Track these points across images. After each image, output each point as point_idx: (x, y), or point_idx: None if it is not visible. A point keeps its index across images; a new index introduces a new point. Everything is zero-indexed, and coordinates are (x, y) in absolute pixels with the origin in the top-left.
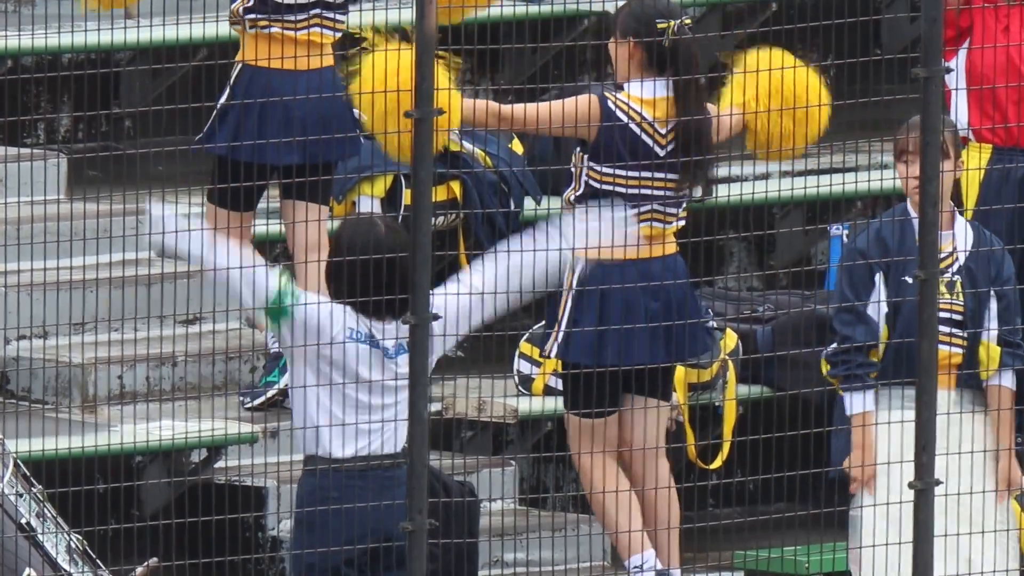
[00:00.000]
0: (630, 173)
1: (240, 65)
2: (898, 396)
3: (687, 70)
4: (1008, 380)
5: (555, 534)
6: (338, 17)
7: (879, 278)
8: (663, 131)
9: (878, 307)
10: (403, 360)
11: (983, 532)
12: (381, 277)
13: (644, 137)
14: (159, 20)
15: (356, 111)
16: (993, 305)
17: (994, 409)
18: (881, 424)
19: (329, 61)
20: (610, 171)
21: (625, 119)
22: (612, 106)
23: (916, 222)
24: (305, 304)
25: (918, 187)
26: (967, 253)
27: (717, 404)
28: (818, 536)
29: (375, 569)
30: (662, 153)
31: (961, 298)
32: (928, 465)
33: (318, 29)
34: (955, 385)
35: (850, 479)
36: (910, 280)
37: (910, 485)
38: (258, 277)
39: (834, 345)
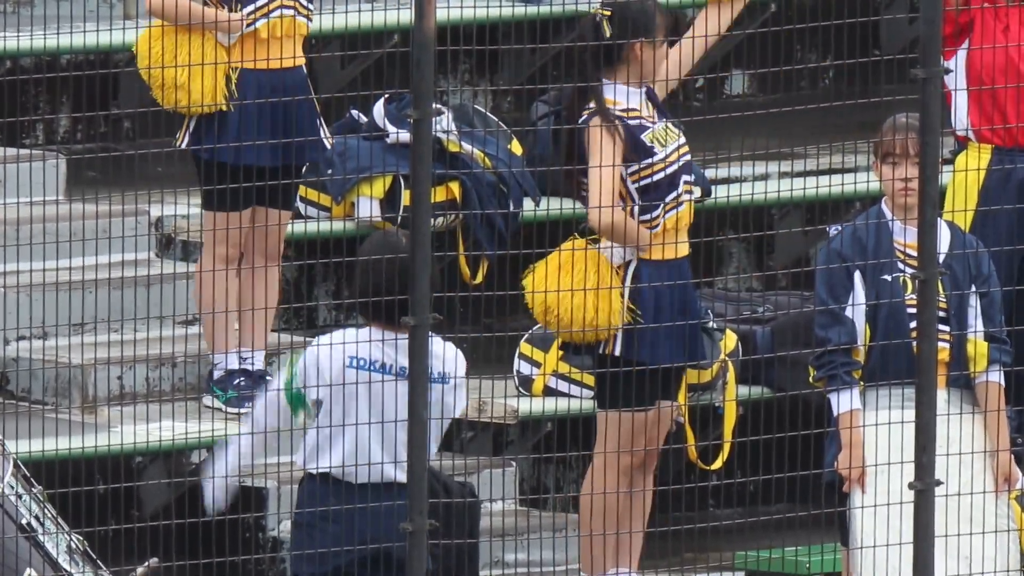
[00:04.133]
0: (656, 157)
1: (240, 71)
2: (885, 396)
3: None
4: (996, 376)
5: (555, 535)
6: (304, 3)
7: (857, 278)
8: (647, 112)
9: (857, 308)
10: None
11: (983, 532)
12: (404, 292)
13: (642, 122)
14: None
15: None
16: (975, 302)
17: (985, 407)
18: (869, 425)
19: (300, 61)
20: (648, 162)
21: (629, 120)
22: (618, 114)
23: (893, 223)
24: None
25: (903, 189)
26: (946, 252)
27: (717, 405)
28: (819, 537)
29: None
30: (660, 126)
31: (942, 295)
32: (928, 466)
33: (286, 11)
34: (945, 384)
35: (840, 479)
36: (889, 279)
37: (910, 486)
38: (271, 407)
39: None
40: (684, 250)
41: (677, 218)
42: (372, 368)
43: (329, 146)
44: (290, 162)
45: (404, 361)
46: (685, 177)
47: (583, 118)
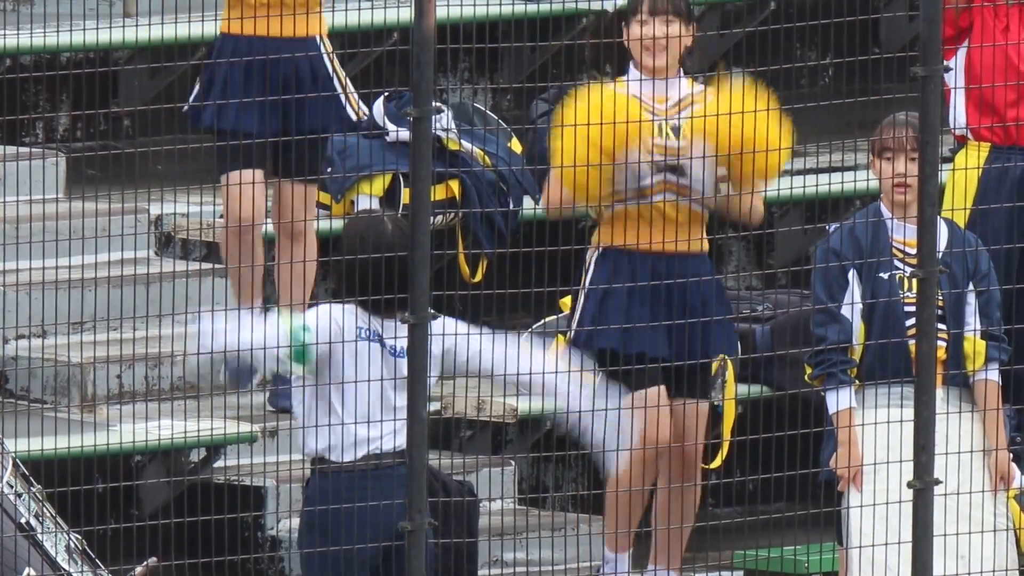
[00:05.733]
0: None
1: (220, 36)
2: (882, 394)
3: None
4: (994, 374)
5: (554, 534)
6: None
7: (852, 276)
8: (651, 106)
9: (853, 306)
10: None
11: (982, 531)
12: (391, 275)
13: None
14: (158, 19)
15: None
16: (972, 300)
17: (983, 404)
18: (866, 424)
19: (315, 30)
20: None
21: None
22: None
23: (889, 221)
24: (317, 326)
25: (899, 184)
26: (944, 250)
27: (716, 403)
28: (817, 536)
29: (388, 567)
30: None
31: (939, 293)
32: (927, 465)
33: None
34: (943, 383)
35: (836, 478)
36: (885, 276)
37: (909, 485)
38: (270, 342)
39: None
40: (675, 247)
41: (640, 210)
42: (379, 341)
43: (356, 117)
44: (291, 131)
45: (393, 341)
46: (662, 176)
47: None
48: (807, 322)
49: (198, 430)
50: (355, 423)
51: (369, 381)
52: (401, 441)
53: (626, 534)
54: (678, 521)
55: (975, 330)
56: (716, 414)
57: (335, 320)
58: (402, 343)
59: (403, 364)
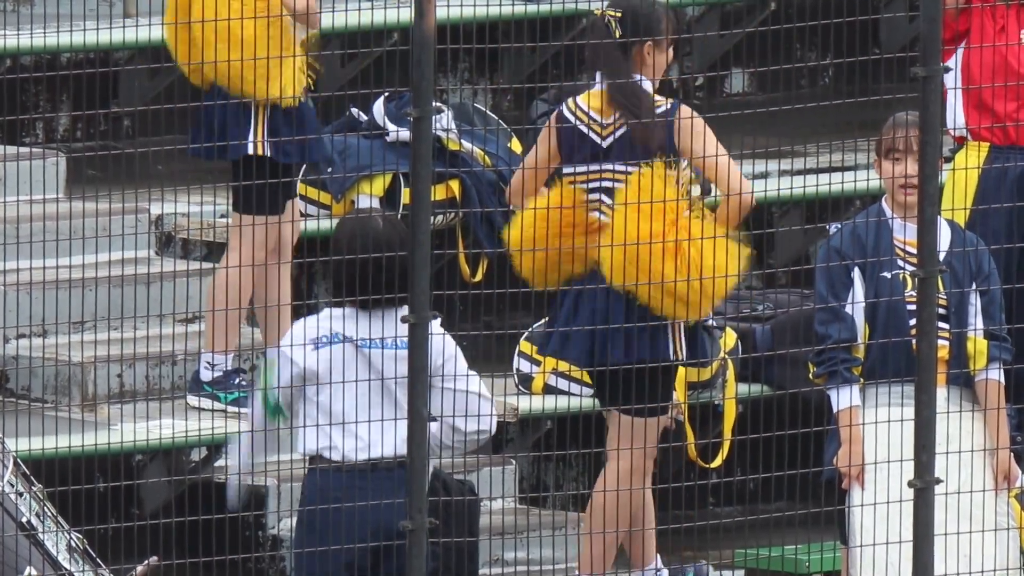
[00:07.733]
0: (579, 168)
1: None
2: (884, 393)
3: None
4: (996, 374)
5: (555, 533)
6: None
7: (856, 275)
8: (604, 123)
9: (856, 305)
10: (391, 355)
11: (982, 530)
12: (380, 271)
13: (590, 134)
14: (158, 19)
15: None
16: (976, 300)
17: (984, 404)
18: (869, 423)
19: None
20: (570, 170)
21: (573, 119)
22: (566, 111)
23: (892, 221)
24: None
25: (903, 185)
26: (947, 250)
27: (717, 403)
28: (818, 535)
29: (378, 570)
30: (604, 144)
31: (942, 291)
32: (928, 464)
33: None
34: (945, 382)
35: (839, 476)
36: (888, 276)
37: (910, 484)
38: (257, 424)
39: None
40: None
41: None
42: (352, 341)
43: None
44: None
45: (378, 333)
46: (597, 196)
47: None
48: (807, 321)
49: (199, 429)
50: (356, 423)
51: (362, 382)
52: (395, 445)
53: (602, 560)
54: (635, 525)
55: (976, 329)
56: (717, 413)
57: (297, 341)
58: (389, 342)
59: (390, 364)
